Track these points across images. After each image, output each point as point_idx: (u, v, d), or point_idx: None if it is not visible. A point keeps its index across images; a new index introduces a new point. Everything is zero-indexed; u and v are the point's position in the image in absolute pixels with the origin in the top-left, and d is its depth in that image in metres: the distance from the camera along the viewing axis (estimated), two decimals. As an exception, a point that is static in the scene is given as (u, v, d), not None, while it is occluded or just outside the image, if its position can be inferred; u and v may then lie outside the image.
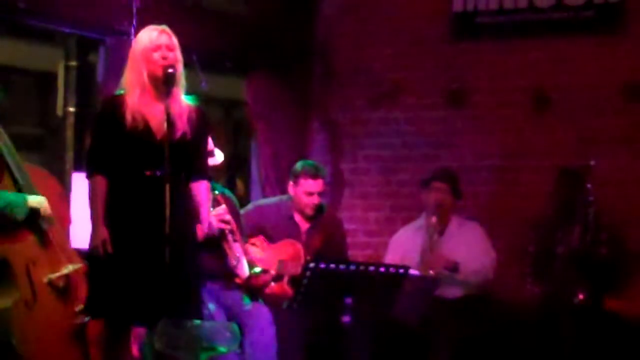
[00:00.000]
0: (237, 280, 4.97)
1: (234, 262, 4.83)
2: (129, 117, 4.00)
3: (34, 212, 4.23)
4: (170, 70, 4.02)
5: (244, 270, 4.87)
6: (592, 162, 5.38)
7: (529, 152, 6.25)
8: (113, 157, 4.05)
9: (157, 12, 5.20)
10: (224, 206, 4.85)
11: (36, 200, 4.24)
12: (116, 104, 4.06)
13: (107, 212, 4.05)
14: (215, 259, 4.85)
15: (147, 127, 4.02)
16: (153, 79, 4.04)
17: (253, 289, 5.05)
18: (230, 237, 4.82)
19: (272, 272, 5.09)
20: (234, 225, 4.87)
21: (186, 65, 4.17)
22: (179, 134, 4.06)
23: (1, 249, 4.13)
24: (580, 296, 5.22)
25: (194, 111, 4.16)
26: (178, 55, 4.10)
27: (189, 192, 4.16)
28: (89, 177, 4.11)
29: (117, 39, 5.33)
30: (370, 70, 6.69)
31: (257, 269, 4.80)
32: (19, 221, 4.19)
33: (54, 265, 4.28)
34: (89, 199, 4.09)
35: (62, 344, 4.25)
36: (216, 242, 4.80)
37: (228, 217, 4.83)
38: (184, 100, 4.14)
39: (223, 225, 4.79)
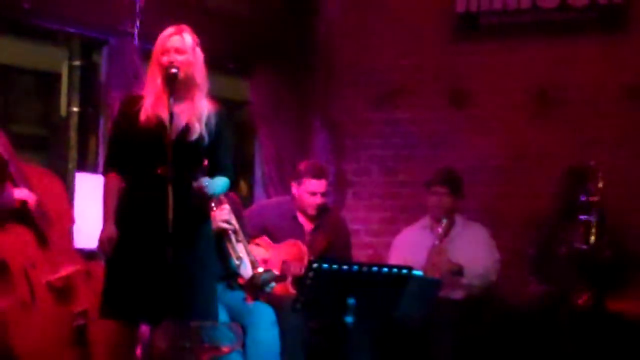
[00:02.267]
0: (240, 280, 4.97)
1: (237, 262, 4.83)
2: (143, 115, 4.02)
3: (23, 207, 4.22)
4: (172, 71, 4.00)
5: (247, 270, 4.87)
6: (592, 163, 5.39)
7: (531, 153, 6.25)
8: (127, 155, 4.06)
9: (160, 12, 5.21)
10: (227, 206, 4.85)
11: (22, 194, 4.23)
12: (134, 102, 4.08)
13: (118, 209, 4.06)
14: (218, 259, 4.85)
15: (161, 126, 4.02)
16: (164, 80, 4.05)
17: (256, 289, 5.04)
18: (233, 237, 4.82)
19: (276, 272, 5.09)
20: (236, 225, 4.88)
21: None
22: (194, 136, 4.06)
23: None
24: (583, 297, 5.22)
25: (214, 114, 4.15)
26: (190, 57, 4.06)
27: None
28: (103, 173, 4.14)
29: (121, 39, 5.34)
30: (373, 71, 6.69)
31: (260, 269, 4.80)
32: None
33: (53, 266, 4.28)
34: (102, 195, 4.11)
35: (61, 345, 4.24)
36: (219, 242, 4.81)
37: (231, 216, 4.83)
38: (205, 103, 4.14)
39: (226, 225, 4.79)
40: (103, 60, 5.51)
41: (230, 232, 4.81)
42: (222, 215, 4.78)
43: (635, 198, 5.91)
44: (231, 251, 4.81)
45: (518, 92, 6.31)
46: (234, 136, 7.04)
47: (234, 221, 4.83)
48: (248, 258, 4.77)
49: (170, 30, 4.10)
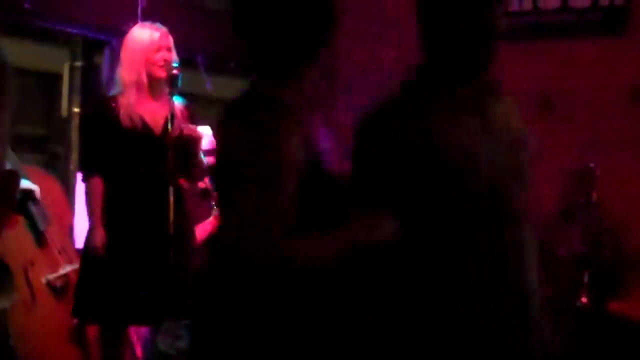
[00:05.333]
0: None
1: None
2: (125, 117, 4.00)
3: (27, 195, 4.22)
4: (175, 72, 4.03)
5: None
6: (592, 165, 5.37)
7: (531, 154, 6.24)
8: (110, 158, 4.03)
9: (162, 13, 5.20)
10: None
11: (26, 184, 4.24)
12: (107, 105, 4.05)
13: (107, 213, 4.04)
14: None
15: (145, 126, 4.02)
16: (152, 79, 4.05)
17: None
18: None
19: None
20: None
21: (191, 66, 4.19)
22: (177, 132, 4.07)
23: (-1, 251, 4.15)
24: (583, 299, 5.22)
25: (185, 109, 4.17)
26: (175, 55, 4.12)
27: (186, 191, 4.17)
28: (84, 180, 4.08)
29: (123, 40, 5.34)
30: (375, 73, 6.68)
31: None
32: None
33: (52, 265, 4.29)
34: (86, 201, 4.08)
35: (61, 344, 4.25)
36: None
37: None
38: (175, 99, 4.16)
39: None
40: (104, 61, 5.51)
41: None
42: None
43: (636, 200, 5.90)
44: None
45: (520, 94, 6.27)
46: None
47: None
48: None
49: (154, 27, 4.12)
